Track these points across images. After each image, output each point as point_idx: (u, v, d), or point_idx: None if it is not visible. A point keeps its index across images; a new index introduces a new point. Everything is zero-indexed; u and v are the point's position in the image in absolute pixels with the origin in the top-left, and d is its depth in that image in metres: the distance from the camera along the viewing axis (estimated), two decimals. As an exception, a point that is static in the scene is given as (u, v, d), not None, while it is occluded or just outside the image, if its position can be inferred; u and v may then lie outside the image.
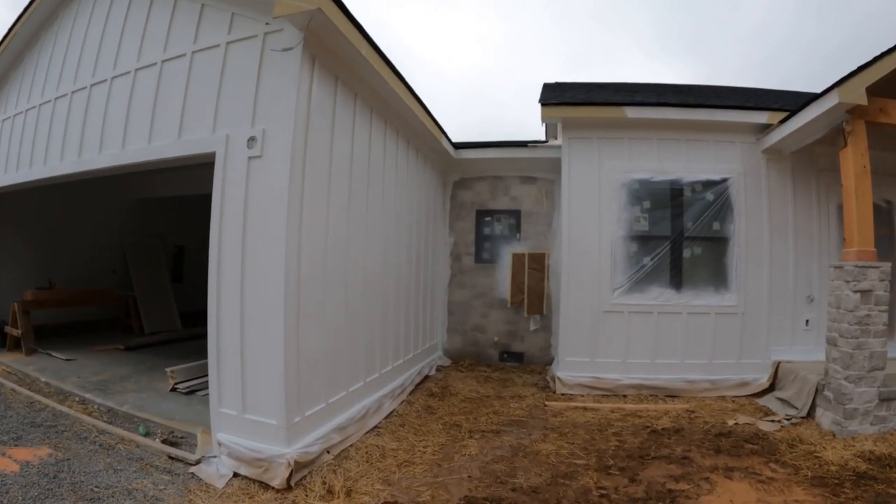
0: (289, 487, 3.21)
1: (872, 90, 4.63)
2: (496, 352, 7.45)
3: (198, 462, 3.52)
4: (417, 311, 6.30)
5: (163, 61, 4.12)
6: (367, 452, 3.87)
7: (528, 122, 34.66)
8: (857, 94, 4.50)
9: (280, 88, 3.49)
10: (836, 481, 3.52)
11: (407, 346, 5.86)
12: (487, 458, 3.83)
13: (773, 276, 5.85)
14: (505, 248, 7.40)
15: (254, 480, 3.30)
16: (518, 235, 7.42)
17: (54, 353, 6.13)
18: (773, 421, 4.84)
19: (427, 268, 6.74)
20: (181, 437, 3.90)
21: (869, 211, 4.70)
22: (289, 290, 3.43)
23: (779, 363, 5.72)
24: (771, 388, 5.69)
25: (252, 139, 3.54)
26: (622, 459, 3.85)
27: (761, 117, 5.83)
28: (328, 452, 3.75)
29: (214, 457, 3.53)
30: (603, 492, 3.27)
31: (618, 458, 3.89)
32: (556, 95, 6.66)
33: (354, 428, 4.17)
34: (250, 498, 3.11)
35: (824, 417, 4.68)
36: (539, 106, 6.07)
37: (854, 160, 4.71)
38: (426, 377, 6.42)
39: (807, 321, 5.87)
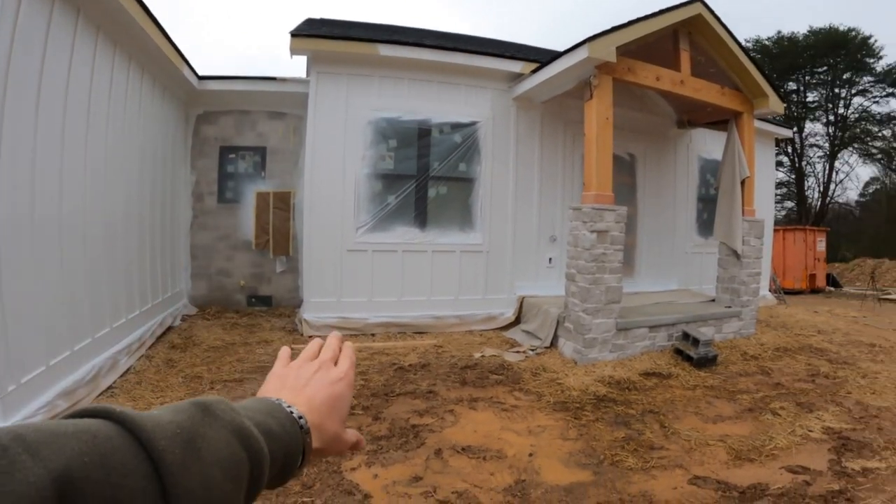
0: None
1: (625, 51, 6.10)
2: (244, 296, 8.65)
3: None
4: (154, 256, 7.02)
5: None
6: (96, 417, 4.79)
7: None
8: (606, 52, 5.88)
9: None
10: (578, 405, 4.57)
11: (144, 296, 6.57)
12: (224, 412, 4.88)
13: (518, 216, 7.77)
14: (250, 186, 8.56)
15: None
16: (263, 174, 8.64)
17: None
18: (518, 352, 6.33)
19: (166, 209, 7.44)
20: None
21: (608, 159, 6.20)
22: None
23: (523, 298, 7.65)
24: (517, 321, 7.59)
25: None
26: (367, 398, 4.66)
27: (516, 66, 7.53)
28: (53, 421, 4.73)
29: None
30: (346, 432, 4.30)
31: (362, 397, 4.69)
32: (313, 28, 7.76)
33: (85, 391, 4.60)
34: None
35: (566, 347, 6.26)
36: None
37: (598, 111, 6.16)
38: (169, 328, 7.29)
39: (550, 259, 7.94)
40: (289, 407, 0.67)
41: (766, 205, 11.38)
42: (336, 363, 0.84)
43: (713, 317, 7.13)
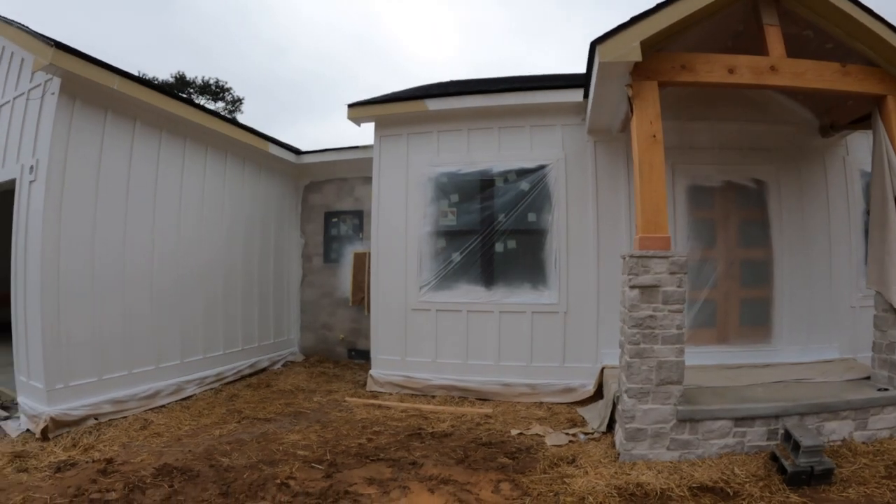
0: (46, 438, 5.17)
1: (681, 44, 4.98)
2: (344, 349, 9.44)
3: (6, 418, 5.87)
4: (252, 308, 8.63)
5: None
6: (132, 423, 5.65)
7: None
8: (626, 51, 4.61)
9: (45, 125, 5.69)
10: (553, 521, 3.61)
11: (233, 340, 8.11)
12: (225, 440, 5.03)
13: (603, 270, 6.66)
14: (348, 247, 9.39)
15: (33, 432, 5.32)
16: (361, 235, 9.38)
17: None
18: (568, 433, 5.40)
19: (273, 268, 9.19)
20: (14, 403, 6.16)
21: (658, 189, 4.73)
22: (46, 285, 5.39)
23: (604, 368, 6.38)
24: (598, 394, 6.39)
25: (31, 167, 5.77)
26: (347, 457, 4.68)
27: (579, 95, 6.64)
28: (95, 419, 5.78)
29: (19, 416, 5.82)
30: (287, 481, 4.10)
31: (345, 454, 4.74)
32: (408, 94, 8.15)
33: (136, 403, 6.21)
34: (23, 444, 4.97)
35: (618, 434, 4.86)
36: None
37: (640, 129, 4.74)
38: (263, 369, 8.62)
39: (647, 320, 6.91)
40: None
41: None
42: None
43: (851, 406, 4.68)
